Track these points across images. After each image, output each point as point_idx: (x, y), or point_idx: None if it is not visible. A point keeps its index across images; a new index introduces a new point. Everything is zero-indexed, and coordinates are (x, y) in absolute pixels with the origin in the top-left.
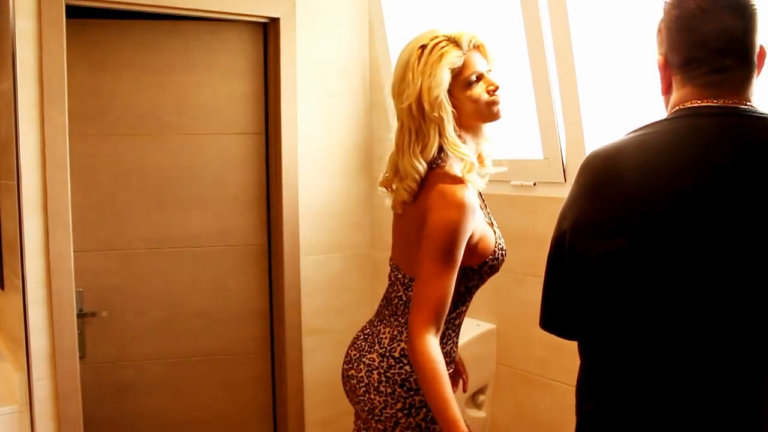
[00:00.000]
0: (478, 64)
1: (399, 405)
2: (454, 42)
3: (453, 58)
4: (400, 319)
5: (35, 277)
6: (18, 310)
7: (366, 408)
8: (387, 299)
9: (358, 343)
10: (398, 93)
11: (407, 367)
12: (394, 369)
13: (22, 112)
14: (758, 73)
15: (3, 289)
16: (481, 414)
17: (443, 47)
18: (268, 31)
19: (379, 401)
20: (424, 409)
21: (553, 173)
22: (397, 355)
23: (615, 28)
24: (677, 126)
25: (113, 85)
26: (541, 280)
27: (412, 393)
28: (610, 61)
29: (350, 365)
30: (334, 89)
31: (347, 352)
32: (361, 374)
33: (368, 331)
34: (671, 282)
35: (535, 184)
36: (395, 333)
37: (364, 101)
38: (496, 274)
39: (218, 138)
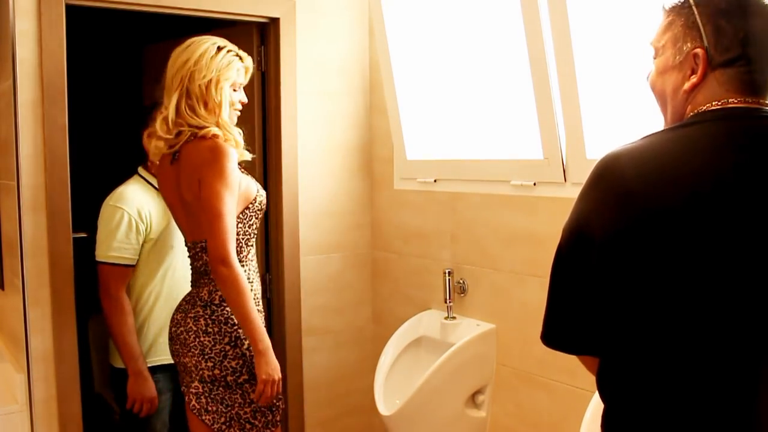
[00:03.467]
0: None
1: (226, 339)
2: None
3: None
4: (211, 275)
5: (35, 277)
6: (18, 310)
7: (196, 352)
8: (194, 270)
9: (181, 307)
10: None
11: (227, 309)
12: (217, 312)
13: (22, 112)
14: None
15: (3, 289)
16: (481, 414)
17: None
18: (268, 31)
19: (208, 341)
20: (247, 341)
21: (553, 173)
22: (217, 301)
23: (615, 28)
24: (721, 129)
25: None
26: (541, 280)
27: (235, 327)
28: (610, 60)
29: (177, 326)
30: (334, 89)
31: (173, 318)
32: (189, 326)
33: (187, 298)
34: (684, 278)
35: (535, 184)
36: (211, 287)
37: (364, 101)
38: (496, 275)
39: None
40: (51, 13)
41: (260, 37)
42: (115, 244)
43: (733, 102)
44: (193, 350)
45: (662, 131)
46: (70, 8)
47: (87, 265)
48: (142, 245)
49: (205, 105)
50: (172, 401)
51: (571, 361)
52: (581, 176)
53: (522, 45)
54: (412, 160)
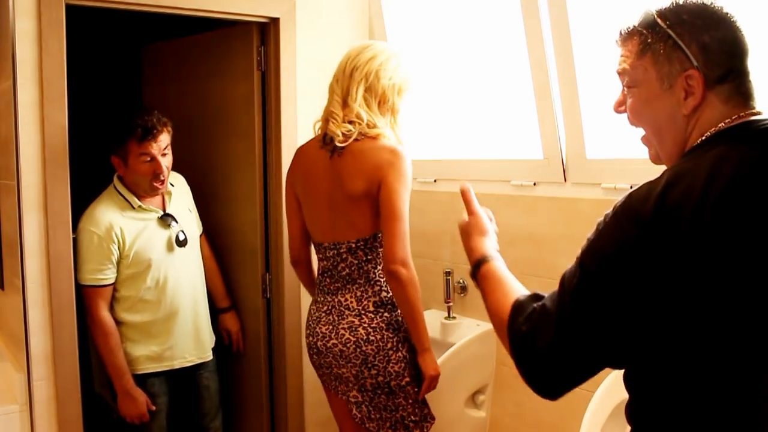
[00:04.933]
0: None
1: (389, 345)
2: None
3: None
4: (359, 281)
5: (35, 277)
6: (18, 310)
7: (358, 362)
8: (331, 275)
9: (323, 319)
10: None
11: (386, 314)
12: (376, 319)
13: (22, 112)
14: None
15: (3, 289)
16: (481, 414)
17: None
18: (268, 31)
19: (371, 349)
20: (407, 343)
21: (553, 173)
22: (372, 308)
23: (615, 28)
24: (745, 146)
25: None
26: (541, 280)
27: (396, 332)
28: (610, 60)
29: (327, 338)
30: None
31: (316, 332)
32: (345, 337)
33: (327, 308)
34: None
35: (535, 184)
36: (359, 294)
37: None
38: None
39: (218, 138)
40: (51, 13)
41: (260, 37)
42: (90, 266)
43: (743, 116)
44: (354, 361)
45: (685, 160)
46: (70, 8)
47: None
48: (120, 261)
49: (380, 104)
50: (168, 404)
51: None
52: (581, 176)
53: (522, 45)
54: (412, 160)
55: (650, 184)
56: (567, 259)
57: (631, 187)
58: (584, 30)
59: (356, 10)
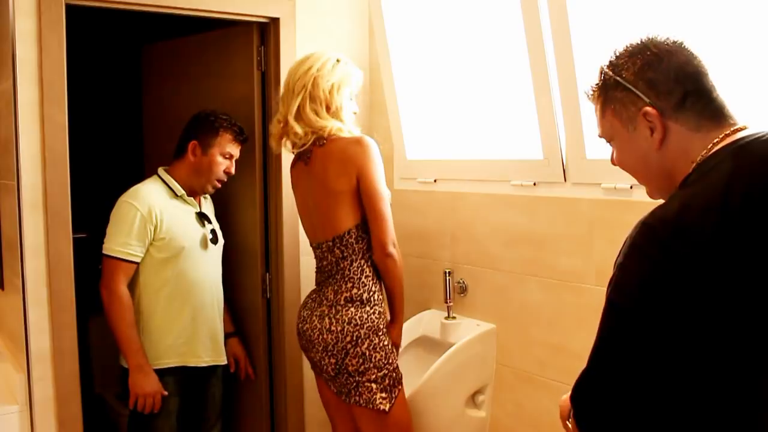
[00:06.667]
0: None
1: (348, 338)
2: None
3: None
4: (336, 276)
5: (35, 277)
6: (18, 310)
7: (320, 348)
8: (319, 270)
9: (308, 304)
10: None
11: (352, 309)
12: (341, 312)
13: (22, 112)
14: None
15: (3, 289)
16: (480, 414)
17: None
18: (268, 31)
19: (331, 338)
20: (367, 340)
21: (553, 173)
22: (342, 302)
23: (615, 28)
24: (738, 166)
25: (165, 96)
26: (541, 280)
27: (357, 327)
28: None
29: (304, 322)
30: None
31: (300, 314)
32: (314, 323)
33: (314, 296)
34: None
35: (535, 184)
36: (336, 288)
37: (364, 101)
38: (496, 275)
39: None
40: (51, 13)
41: (260, 37)
42: (123, 239)
43: (729, 134)
44: (317, 347)
45: (690, 184)
46: (70, 8)
47: (87, 265)
48: (152, 244)
49: (328, 109)
50: (180, 405)
51: (571, 361)
52: (581, 176)
53: (522, 45)
54: (412, 160)
55: (663, 209)
56: (567, 259)
57: (631, 188)
58: (584, 30)
59: (356, 10)
